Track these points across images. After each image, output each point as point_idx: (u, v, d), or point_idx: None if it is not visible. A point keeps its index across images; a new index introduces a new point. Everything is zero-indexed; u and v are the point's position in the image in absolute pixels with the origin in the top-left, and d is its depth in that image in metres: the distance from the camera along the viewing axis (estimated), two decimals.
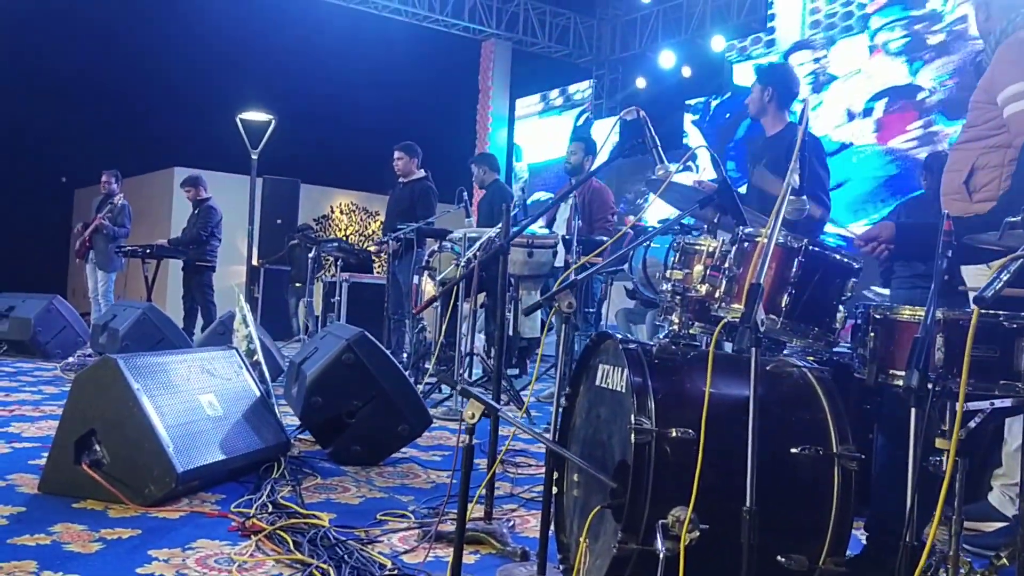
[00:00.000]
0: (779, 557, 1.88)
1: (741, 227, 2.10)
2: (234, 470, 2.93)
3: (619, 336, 2.12)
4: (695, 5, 12.22)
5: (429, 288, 6.69)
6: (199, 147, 12.49)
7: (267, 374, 3.41)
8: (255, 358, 3.41)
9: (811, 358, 2.36)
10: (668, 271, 2.19)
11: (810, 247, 1.98)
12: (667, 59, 12.53)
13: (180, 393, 2.85)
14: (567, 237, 5.26)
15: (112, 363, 2.66)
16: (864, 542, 2.37)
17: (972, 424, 1.88)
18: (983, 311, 1.81)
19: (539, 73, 14.22)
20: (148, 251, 8.00)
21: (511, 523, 2.74)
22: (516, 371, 6.68)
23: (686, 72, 12.23)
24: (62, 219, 14.63)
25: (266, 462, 3.08)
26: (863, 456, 1.95)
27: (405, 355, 6.45)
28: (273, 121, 10.10)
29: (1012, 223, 1.32)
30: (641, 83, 12.97)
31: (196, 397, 2.90)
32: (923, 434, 1.55)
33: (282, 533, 2.39)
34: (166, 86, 13.46)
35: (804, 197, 1.99)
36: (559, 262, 5.33)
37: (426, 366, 5.83)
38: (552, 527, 2.31)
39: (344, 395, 3.34)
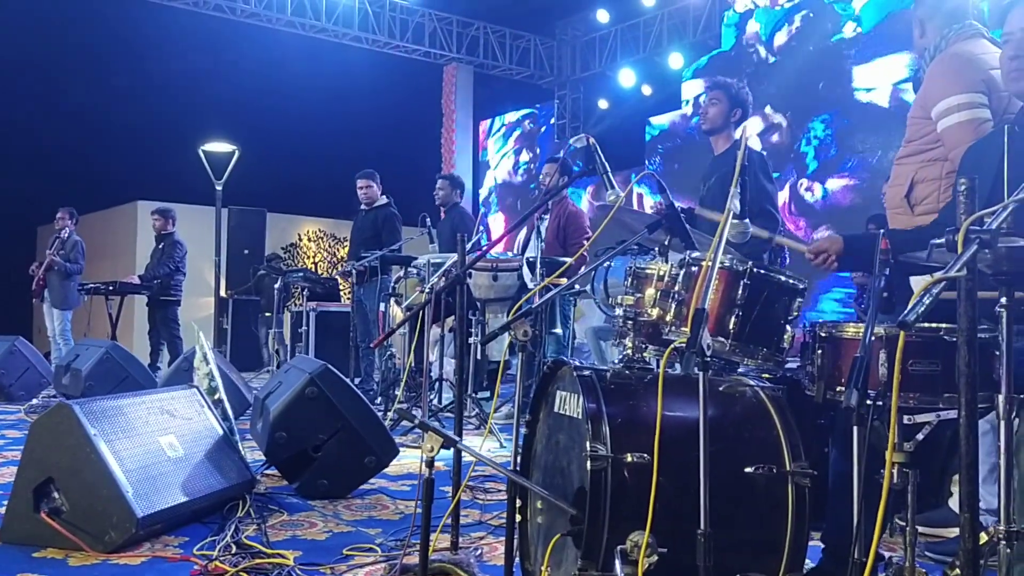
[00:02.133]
0: None
1: (689, 251, 2.14)
2: (197, 511, 2.90)
3: (574, 362, 2.14)
4: (651, 24, 12.38)
5: (397, 315, 6.69)
6: (163, 180, 12.40)
7: (230, 411, 3.39)
8: (216, 396, 3.38)
9: (766, 376, 2.40)
10: (620, 296, 2.22)
11: (755, 269, 2.02)
12: (627, 77, 12.69)
13: (139, 436, 2.82)
14: (531, 259, 5.29)
15: (67, 409, 2.63)
16: (822, 555, 2.39)
17: (920, 436, 1.92)
18: (924, 328, 1.86)
19: (502, 95, 14.32)
20: (111, 287, 7.91)
21: (479, 552, 2.74)
22: (487, 394, 6.68)
23: (646, 90, 12.38)
24: (25, 258, 14.43)
25: (230, 501, 3.05)
26: (816, 472, 1.98)
27: (375, 383, 6.43)
28: (237, 151, 10.06)
29: (937, 244, 1.36)
30: (603, 104, 13.11)
31: (156, 439, 2.87)
32: (866, 451, 1.58)
33: (244, 574, 2.37)
34: (127, 120, 13.35)
35: (747, 220, 2.03)
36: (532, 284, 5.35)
37: (396, 393, 5.81)
38: (517, 555, 2.32)
39: (309, 429, 3.33)
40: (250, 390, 5.85)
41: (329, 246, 15.03)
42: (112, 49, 12.95)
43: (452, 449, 2.61)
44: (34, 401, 6.12)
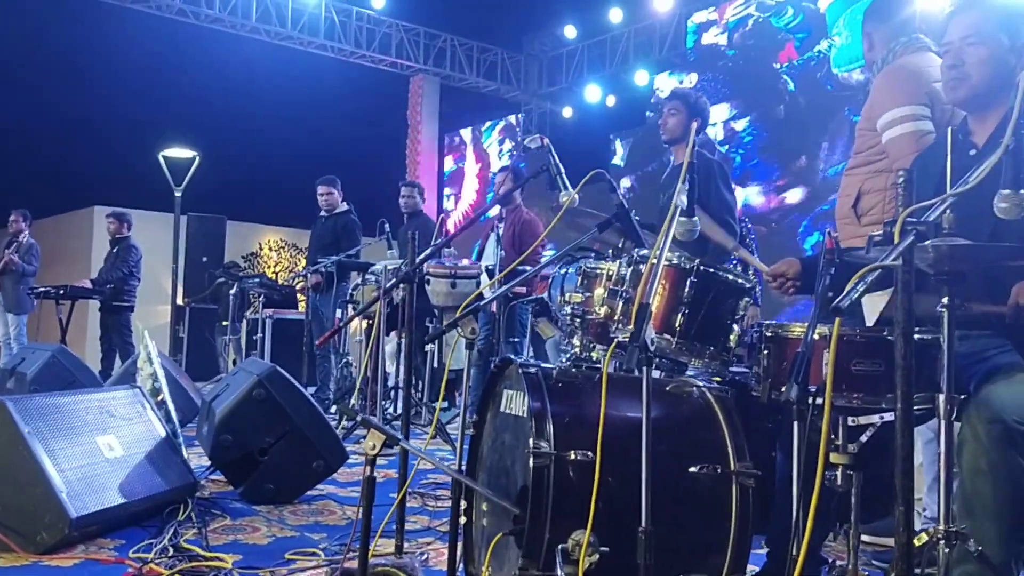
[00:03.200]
0: None
1: (636, 249, 2.13)
2: (135, 514, 2.81)
3: (520, 360, 2.11)
4: (618, 41, 12.50)
5: (355, 323, 6.62)
6: (120, 185, 12.21)
7: (174, 413, 3.30)
8: (160, 397, 3.30)
9: (717, 379, 2.39)
10: (568, 294, 2.20)
11: (702, 267, 2.01)
12: (593, 93, 12.78)
13: (76, 435, 2.73)
14: (490, 267, 5.26)
15: (0, 405, 2.54)
16: (766, 558, 2.38)
17: (863, 439, 1.92)
18: (868, 328, 1.87)
19: (468, 107, 14.34)
20: (62, 291, 7.73)
21: (424, 556, 2.69)
22: (445, 404, 6.62)
23: (610, 102, 12.48)
24: None
25: (171, 504, 2.97)
26: (760, 473, 1.97)
27: (331, 391, 6.34)
28: (197, 157, 9.94)
29: (876, 238, 1.36)
30: (568, 112, 13.18)
31: (94, 439, 2.78)
32: (806, 449, 1.57)
33: None
34: (86, 124, 13.15)
35: (695, 218, 2.02)
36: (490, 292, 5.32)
37: (350, 401, 5.74)
38: (462, 558, 2.28)
39: (255, 432, 3.25)
40: (200, 396, 5.73)
41: (291, 256, 14.88)
42: (72, 51, 12.75)
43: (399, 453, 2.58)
44: None
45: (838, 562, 2.04)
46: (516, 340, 5.52)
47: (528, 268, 5.35)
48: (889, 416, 1.91)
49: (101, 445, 2.80)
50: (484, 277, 5.28)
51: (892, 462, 3.00)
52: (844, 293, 1.24)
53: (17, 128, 13.37)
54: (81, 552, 2.55)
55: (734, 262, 3.60)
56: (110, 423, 2.92)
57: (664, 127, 4.00)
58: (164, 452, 3.07)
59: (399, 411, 5.49)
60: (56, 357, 5.52)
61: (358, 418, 2.09)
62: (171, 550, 2.55)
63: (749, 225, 5.51)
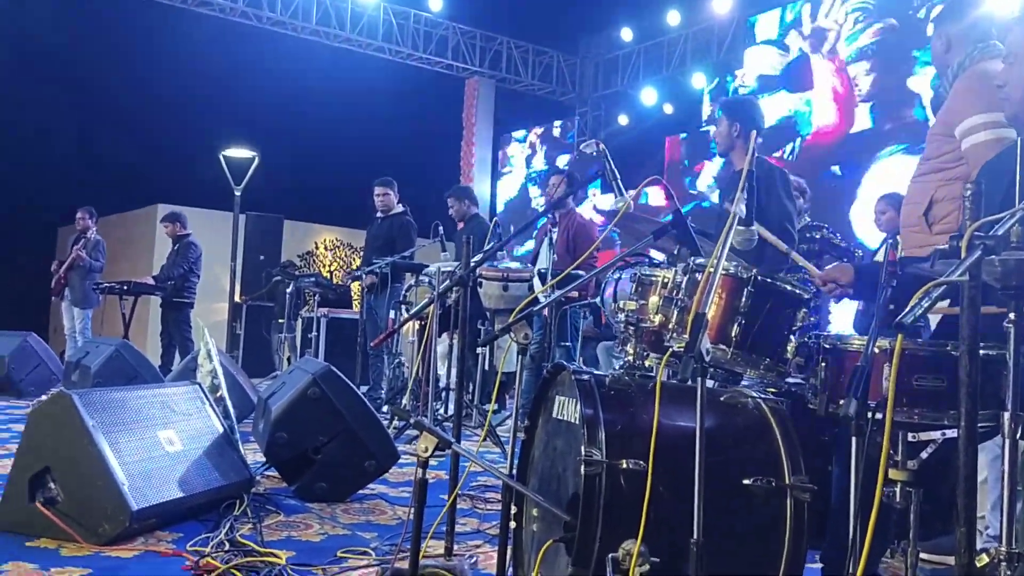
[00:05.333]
0: None
1: (693, 258, 2.11)
2: (193, 507, 2.88)
3: (574, 367, 2.11)
4: (675, 44, 12.40)
5: (408, 324, 6.67)
6: (182, 184, 12.50)
7: (231, 410, 3.37)
8: (219, 393, 3.38)
9: (772, 390, 2.36)
10: (622, 301, 2.19)
11: (759, 277, 1.99)
12: (649, 96, 12.70)
13: (138, 429, 2.81)
14: (543, 271, 5.27)
15: (67, 399, 2.62)
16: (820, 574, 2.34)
17: (924, 455, 1.88)
18: (931, 342, 1.82)
19: (523, 110, 14.36)
20: (125, 287, 7.95)
21: (473, 559, 2.70)
22: (496, 406, 6.64)
23: (668, 109, 12.38)
24: (45, 257, 14.59)
25: (227, 499, 3.03)
26: (816, 487, 1.94)
27: (383, 391, 6.41)
28: (256, 157, 10.12)
29: (942, 251, 1.33)
30: (623, 120, 13.12)
31: (155, 433, 2.86)
32: (865, 465, 1.54)
33: (236, 572, 2.35)
34: (149, 124, 13.51)
35: (753, 227, 2.00)
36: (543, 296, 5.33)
37: (402, 402, 5.79)
38: (512, 563, 2.28)
39: (309, 431, 3.31)
40: (256, 393, 5.84)
41: (345, 255, 15.07)
42: (137, 53, 13.11)
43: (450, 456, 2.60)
44: (43, 397, 6.13)
45: None
46: (568, 344, 5.51)
47: (582, 273, 5.36)
48: (951, 433, 1.86)
49: (162, 439, 2.87)
50: (536, 281, 5.29)
51: (953, 479, 2.92)
52: (908, 309, 1.21)
53: (84, 129, 13.82)
54: (141, 544, 2.62)
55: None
56: (171, 418, 3.00)
57: (720, 138, 3.97)
58: (222, 448, 3.13)
59: (450, 412, 5.53)
60: (119, 352, 5.69)
61: (411, 420, 2.11)
62: (227, 544, 2.61)
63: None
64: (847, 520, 2.15)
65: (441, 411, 5.51)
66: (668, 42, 12.51)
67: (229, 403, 3.41)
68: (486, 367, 5.92)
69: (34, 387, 6.79)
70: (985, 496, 2.70)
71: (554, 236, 5.34)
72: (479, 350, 5.07)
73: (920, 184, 2.94)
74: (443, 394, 5.77)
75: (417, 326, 6.69)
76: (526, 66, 13.62)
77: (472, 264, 2.55)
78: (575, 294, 5.30)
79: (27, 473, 2.62)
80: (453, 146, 13.94)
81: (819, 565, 2.29)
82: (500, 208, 14.75)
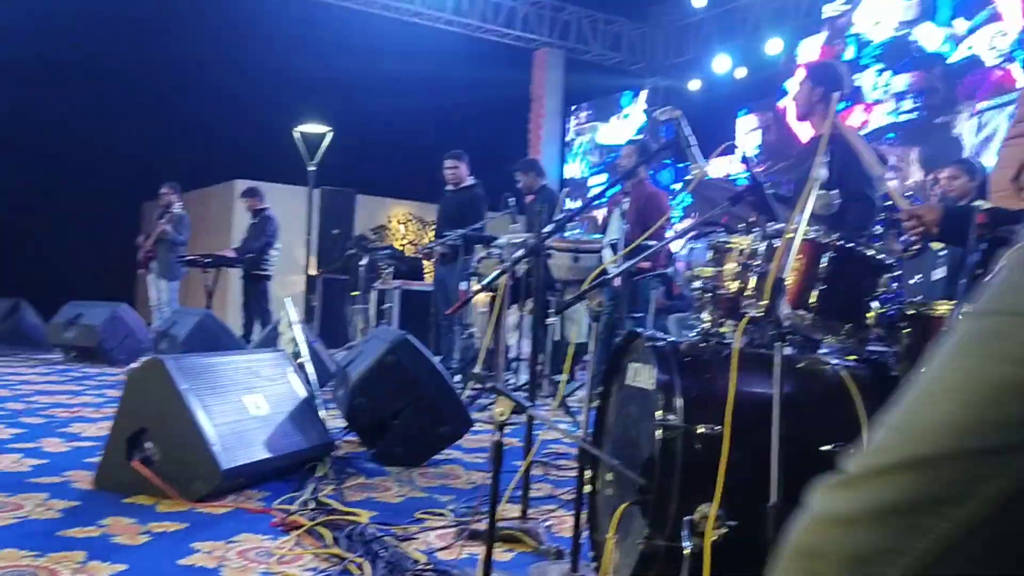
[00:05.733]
0: None
1: (770, 223, 2.09)
2: (279, 468, 3.00)
3: (648, 333, 2.12)
4: (750, 8, 12.08)
5: (479, 295, 6.74)
6: (258, 160, 12.79)
7: (313, 376, 3.48)
8: (300, 360, 3.49)
9: (852, 357, 2.33)
10: (698, 268, 2.18)
11: (839, 242, 1.96)
12: (722, 64, 12.41)
13: (226, 393, 2.93)
14: (614, 242, 5.25)
15: (160, 364, 2.75)
16: None
17: None
18: None
19: (592, 80, 14.20)
20: (207, 260, 8.22)
21: (548, 523, 2.75)
22: (568, 377, 6.67)
23: (740, 74, 12.09)
24: (130, 231, 15.16)
25: (311, 461, 3.15)
26: None
27: (455, 361, 6.51)
28: (330, 133, 10.31)
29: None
30: (695, 85, 12.86)
31: (241, 397, 2.98)
32: None
33: (321, 529, 2.44)
34: (226, 101, 13.83)
35: (836, 191, 1.97)
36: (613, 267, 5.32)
37: (474, 371, 5.87)
38: (587, 526, 2.32)
39: (387, 397, 3.40)
40: (333, 362, 6.00)
41: (417, 229, 15.24)
42: (213, 31, 13.41)
43: (525, 421, 2.64)
44: (134, 365, 6.41)
45: None
46: (640, 315, 5.50)
47: (653, 243, 5.32)
48: None
49: (248, 403, 2.99)
50: (607, 252, 5.28)
51: None
52: (995, 271, 1.18)
53: (168, 108, 14.23)
54: (231, 501, 2.75)
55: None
56: (256, 383, 3.12)
57: (800, 102, 3.89)
58: (304, 412, 3.25)
59: (520, 382, 5.59)
60: (205, 321, 5.91)
61: (487, 385, 2.15)
62: (312, 504, 2.71)
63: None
64: None
65: (512, 381, 5.57)
66: (742, 7, 12.19)
67: (311, 370, 3.52)
68: (555, 338, 5.95)
69: (124, 356, 7.10)
70: None
71: (625, 206, 5.31)
72: (549, 321, 5.10)
73: (1011, 148, 2.83)
74: (513, 364, 5.83)
75: (488, 298, 6.77)
76: (595, 35, 13.48)
77: (543, 234, 2.57)
78: (646, 265, 5.28)
79: (125, 434, 2.77)
80: (522, 118, 13.91)
81: None
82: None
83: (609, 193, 6.14)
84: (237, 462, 2.76)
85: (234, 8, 12.85)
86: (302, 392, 3.31)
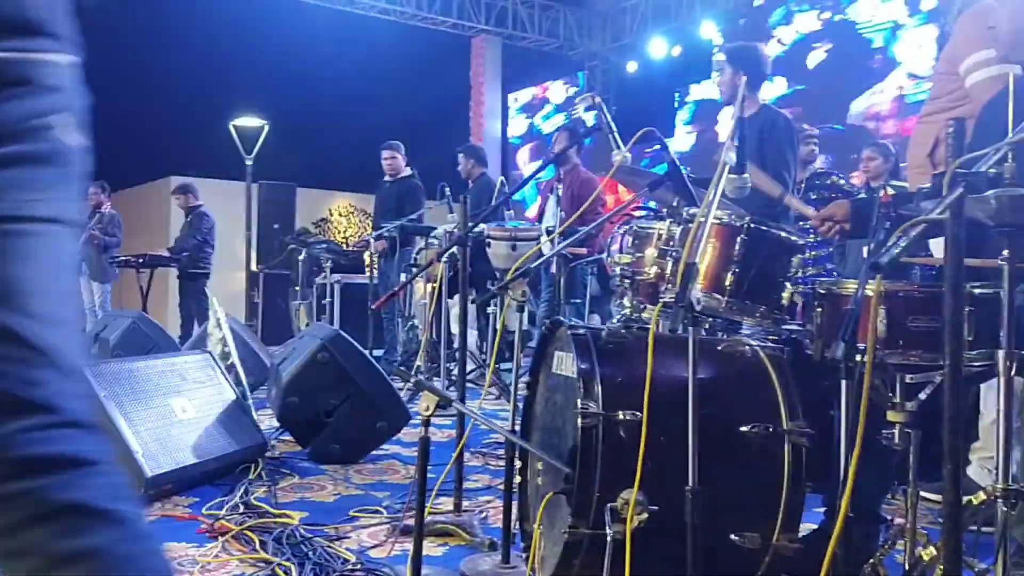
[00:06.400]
0: (732, 535, 1.88)
1: (687, 208, 2.10)
2: (208, 473, 2.94)
3: (569, 322, 2.12)
4: None
5: (420, 287, 6.70)
6: (193, 155, 12.53)
7: (243, 377, 3.42)
8: (229, 361, 3.42)
9: (773, 338, 2.36)
10: (617, 255, 2.19)
11: (752, 225, 1.98)
12: (658, 47, 12.50)
13: (150, 398, 2.86)
14: (550, 229, 5.25)
15: None
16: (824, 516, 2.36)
17: (922, 396, 1.87)
18: (926, 284, 1.81)
19: (531, 66, 14.19)
20: (141, 260, 8.03)
21: (483, 514, 2.75)
22: (509, 365, 6.67)
23: (676, 51, 12.18)
24: None
25: (242, 464, 3.09)
26: (812, 432, 1.94)
27: (399, 354, 6.46)
28: (266, 126, 10.13)
29: (924, 191, 1.31)
30: (632, 67, 12.92)
31: (167, 401, 2.91)
32: (853, 406, 1.54)
33: (249, 533, 2.40)
34: (157, 96, 13.49)
35: (746, 175, 1.98)
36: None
37: (417, 363, 5.83)
38: (517, 516, 2.32)
39: (320, 394, 3.35)
40: (273, 360, 5.91)
41: (360, 221, 15.09)
42: (141, 25, 13.05)
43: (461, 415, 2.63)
44: None
45: (897, 520, 2.01)
46: (578, 301, 5.52)
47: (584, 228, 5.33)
48: None
49: (175, 407, 2.93)
50: (545, 239, 5.27)
51: (962, 419, 2.91)
52: (885, 248, 1.20)
53: (96, 104, 13.81)
54: (157, 510, 2.69)
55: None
56: (183, 386, 3.05)
57: (724, 86, 3.91)
58: (235, 413, 3.19)
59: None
60: (136, 324, 5.75)
61: (411, 380, 2.13)
62: (241, 507, 2.67)
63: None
64: (845, 463, 2.16)
65: (456, 372, 5.55)
66: None
67: (240, 370, 3.45)
68: (496, 327, 5.94)
69: None
70: (993, 435, 2.70)
71: (559, 192, 5.32)
72: (490, 310, 5.09)
73: (926, 125, 2.90)
74: (456, 354, 5.80)
75: (430, 288, 6.73)
76: (532, 22, 13.44)
77: (471, 224, 2.55)
78: (582, 251, 5.30)
79: None
80: (463, 106, 13.84)
81: (823, 509, 2.31)
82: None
83: (544, 178, 6.14)
84: (162, 468, 2.70)
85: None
86: (232, 394, 3.24)
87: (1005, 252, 1.64)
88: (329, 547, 2.31)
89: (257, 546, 2.30)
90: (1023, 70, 2.63)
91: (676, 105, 12.04)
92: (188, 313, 8.17)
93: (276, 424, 3.71)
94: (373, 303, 6.36)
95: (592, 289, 6.00)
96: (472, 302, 4.51)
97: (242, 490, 2.83)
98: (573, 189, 5.59)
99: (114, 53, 13.19)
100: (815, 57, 10.18)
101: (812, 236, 4.08)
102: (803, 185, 5.37)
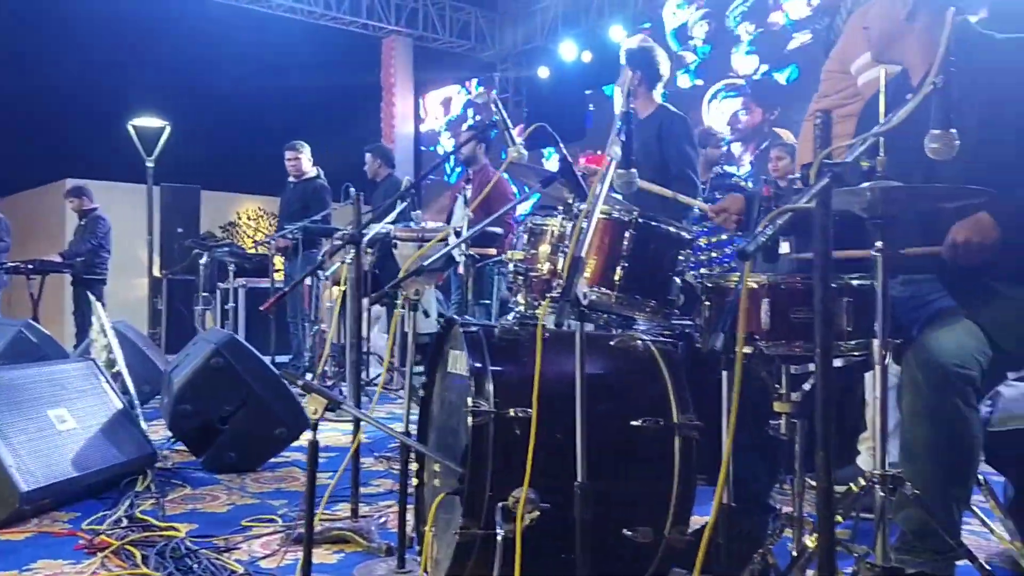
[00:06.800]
0: (624, 530, 1.88)
1: (577, 203, 2.09)
2: (91, 486, 2.80)
3: (461, 320, 2.09)
4: None
5: (327, 289, 6.56)
6: (91, 157, 12.03)
7: (130, 385, 3.27)
8: (115, 369, 3.27)
9: (668, 332, 2.37)
10: (511, 252, 2.17)
11: (640, 220, 1.98)
12: (568, 50, 12.60)
13: (26, 409, 2.70)
14: (458, 230, 5.21)
15: None
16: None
17: (807, 386, 1.91)
18: (808, 276, 1.84)
19: (443, 68, 14.12)
20: (31, 266, 7.64)
21: (382, 519, 2.69)
22: (421, 368, 6.59)
23: (587, 57, 12.31)
24: None
25: (129, 476, 2.95)
26: (703, 424, 1.96)
27: (305, 359, 6.32)
28: (168, 127, 9.78)
29: (793, 179, 1.33)
30: (544, 72, 13.00)
31: (44, 412, 2.75)
32: (732, 397, 1.55)
33: (131, 548, 2.29)
34: (51, 95, 12.90)
35: (633, 170, 1.99)
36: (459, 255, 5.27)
37: (326, 369, 5.71)
38: (414, 519, 2.27)
39: (214, 401, 3.23)
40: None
41: (269, 225, 14.74)
42: (35, 23, 12.47)
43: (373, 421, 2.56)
44: None
45: (785, 509, 2.04)
46: (488, 302, 5.49)
47: (499, 231, 5.32)
48: (838, 362, 1.90)
49: (53, 418, 2.77)
50: (453, 240, 5.23)
51: (849, 410, 3.00)
52: (752, 237, 1.21)
53: None
54: (34, 526, 2.54)
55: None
56: (62, 396, 2.89)
57: (622, 86, 3.96)
58: (120, 424, 3.04)
59: (371, 376, 5.48)
60: (23, 332, 5.45)
61: (299, 383, 2.06)
62: (125, 521, 2.54)
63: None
64: (740, 454, 2.19)
65: (364, 375, 5.45)
66: None
67: (128, 378, 3.30)
68: (405, 330, 5.87)
69: None
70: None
71: (468, 194, 5.29)
72: (399, 312, 5.01)
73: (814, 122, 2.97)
74: (367, 359, 5.71)
75: (338, 292, 6.61)
76: (443, 23, 13.38)
77: (364, 223, 2.49)
78: (491, 251, 5.27)
79: None
80: (375, 107, 13.68)
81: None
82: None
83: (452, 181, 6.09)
84: (39, 483, 2.55)
85: None
86: (117, 403, 3.09)
87: (878, 243, 1.68)
88: (216, 559, 2.22)
89: (138, 561, 2.20)
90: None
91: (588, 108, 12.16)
92: (84, 321, 7.81)
93: (169, 433, 3.56)
94: (278, 307, 6.21)
95: (503, 290, 5.99)
96: (369, 302, 4.44)
97: (127, 503, 2.70)
98: (483, 189, 5.56)
99: (6, 51, 12.58)
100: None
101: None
102: (708, 185, 5.49)
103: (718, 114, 10.22)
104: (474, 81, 14.01)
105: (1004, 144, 1.82)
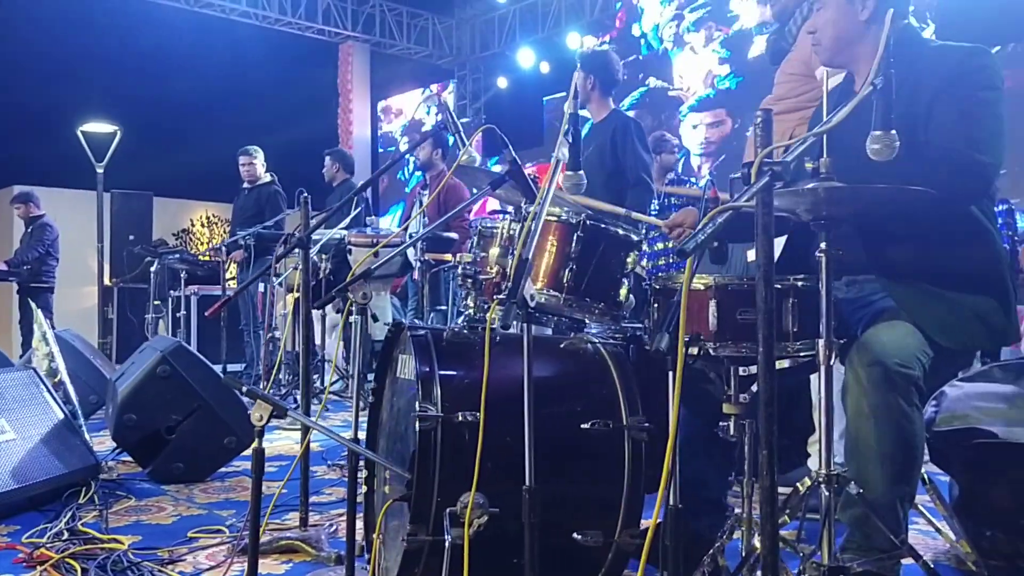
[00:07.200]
0: (575, 534, 1.87)
1: (526, 205, 2.08)
2: (32, 498, 2.71)
3: (410, 324, 2.07)
4: (550, 4, 12.36)
5: (280, 296, 6.47)
6: (39, 163, 11.74)
7: (73, 394, 3.19)
8: (57, 378, 3.18)
9: (619, 335, 2.37)
10: (460, 255, 2.15)
11: (588, 222, 1.98)
12: (526, 57, 12.64)
13: None
14: (414, 235, 5.18)
15: None
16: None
17: (755, 388, 1.91)
18: (751, 278, 1.85)
19: (401, 74, 14.07)
20: None
21: (333, 528, 2.64)
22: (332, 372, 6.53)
23: (544, 68, 12.35)
24: None
25: (71, 487, 2.87)
26: (653, 426, 1.96)
27: (259, 367, 6.22)
28: (119, 132, 9.58)
29: (734, 179, 1.34)
30: (503, 83, 13.02)
31: None
32: (678, 398, 1.54)
33: (71, 561, 2.22)
34: None
35: (581, 172, 1.99)
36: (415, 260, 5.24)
37: (280, 377, 5.64)
38: (364, 527, 2.24)
39: (160, 410, 3.16)
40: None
41: (223, 232, 14.53)
42: None
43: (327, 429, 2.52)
44: None
45: (736, 510, 2.05)
46: (444, 308, 5.47)
47: (454, 236, 5.29)
48: (784, 363, 1.91)
49: None
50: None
51: (800, 412, 3.03)
52: (692, 235, 1.21)
53: None
54: None
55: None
56: (1, 406, 2.80)
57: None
58: (62, 434, 2.96)
59: (326, 383, 5.42)
60: None
61: (243, 389, 2.02)
62: (66, 534, 2.47)
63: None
64: (691, 456, 2.20)
65: (318, 383, 5.39)
66: (542, 3, 12.45)
67: (71, 387, 3.22)
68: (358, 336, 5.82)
69: None
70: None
71: (424, 199, 5.26)
72: (352, 319, 4.96)
73: (777, 123, 2.99)
74: (321, 366, 5.65)
75: (292, 299, 6.53)
76: (401, 29, 13.33)
77: (311, 227, 2.45)
78: (447, 256, 5.25)
79: None
80: (331, 113, 13.57)
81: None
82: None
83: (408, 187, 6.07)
84: None
85: None
86: (58, 413, 3.00)
87: (823, 244, 1.70)
88: (160, 571, 2.17)
89: (79, 574, 2.13)
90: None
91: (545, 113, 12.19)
92: (30, 330, 7.61)
93: (115, 444, 3.48)
94: (229, 314, 6.12)
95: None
96: (314, 307, 4.39)
97: (69, 515, 2.62)
98: (440, 195, 5.54)
99: None
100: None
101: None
102: (662, 192, 5.52)
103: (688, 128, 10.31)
104: (434, 87, 14.00)
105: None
